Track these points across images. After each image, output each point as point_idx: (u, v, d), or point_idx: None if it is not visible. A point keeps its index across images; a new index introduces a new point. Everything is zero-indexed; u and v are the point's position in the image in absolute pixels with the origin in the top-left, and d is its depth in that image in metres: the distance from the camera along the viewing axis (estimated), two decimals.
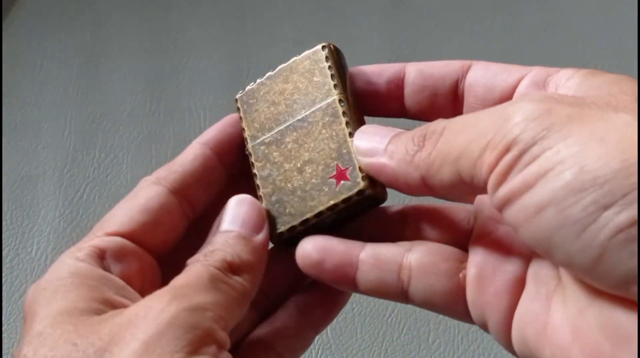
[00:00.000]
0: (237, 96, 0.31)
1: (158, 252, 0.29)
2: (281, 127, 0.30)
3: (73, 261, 0.26)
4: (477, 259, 0.27)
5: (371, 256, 0.28)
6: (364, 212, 0.29)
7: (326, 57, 0.30)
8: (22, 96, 0.69)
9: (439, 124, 0.25)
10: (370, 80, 0.30)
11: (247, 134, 0.30)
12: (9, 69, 0.71)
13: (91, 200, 0.62)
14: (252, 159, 0.30)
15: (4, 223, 0.61)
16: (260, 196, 0.29)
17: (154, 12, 0.75)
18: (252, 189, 0.30)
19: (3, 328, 0.55)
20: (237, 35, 0.72)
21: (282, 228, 0.29)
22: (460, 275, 0.27)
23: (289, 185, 0.29)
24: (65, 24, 0.74)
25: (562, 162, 0.21)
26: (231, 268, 0.26)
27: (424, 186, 0.25)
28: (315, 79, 0.30)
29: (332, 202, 0.28)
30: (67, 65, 0.71)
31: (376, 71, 0.31)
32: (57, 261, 0.27)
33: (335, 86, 0.29)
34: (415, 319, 0.54)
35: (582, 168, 0.20)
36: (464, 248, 0.28)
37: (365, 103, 0.31)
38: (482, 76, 0.29)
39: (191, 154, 0.30)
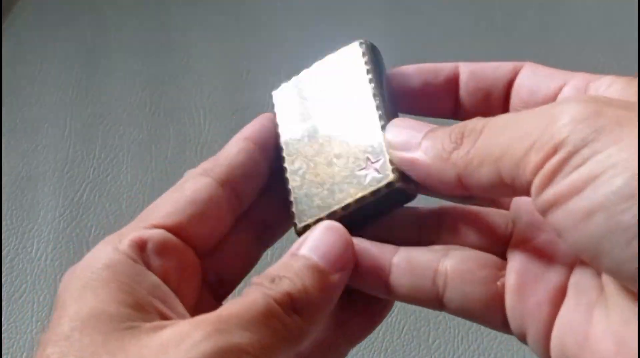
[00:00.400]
0: (273, 92, 0.32)
1: (202, 247, 0.27)
2: (313, 122, 0.30)
3: (111, 250, 0.25)
4: (517, 267, 0.26)
5: (405, 261, 0.27)
6: (393, 208, 0.28)
7: (363, 53, 0.30)
8: (22, 96, 0.69)
9: (478, 122, 0.24)
10: (427, 80, 0.30)
11: (280, 129, 0.30)
12: (9, 69, 0.71)
13: (91, 200, 0.62)
14: (284, 154, 0.30)
15: (4, 223, 0.61)
16: (289, 189, 0.29)
17: (154, 12, 0.75)
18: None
19: (3, 328, 0.55)
20: (237, 36, 0.72)
21: (309, 220, 0.28)
22: (499, 282, 0.26)
23: (318, 178, 0.29)
24: (65, 24, 0.75)
25: (614, 166, 0.20)
26: (294, 304, 0.24)
27: (459, 185, 0.25)
28: (350, 74, 0.30)
29: (360, 194, 0.27)
30: (67, 65, 0.71)
31: (432, 70, 0.30)
32: (97, 246, 0.26)
33: (370, 80, 0.29)
34: (415, 319, 0.54)
35: (634, 173, 0.20)
36: (502, 255, 0.27)
37: (419, 102, 0.30)
38: (528, 79, 0.28)
39: (235, 148, 0.29)
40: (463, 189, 0.25)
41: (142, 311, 0.23)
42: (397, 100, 0.30)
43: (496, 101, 0.29)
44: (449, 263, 0.26)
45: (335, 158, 0.29)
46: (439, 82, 0.30)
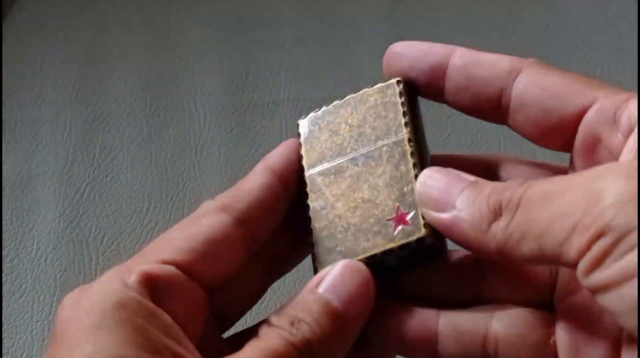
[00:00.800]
0: (299, 121, 0.30)
1: (211, 285, 0.27)
2: (342, 160, 0.28)
3: (121, 287, 0.24)
4: (567, 323, 0.25)
5: (451, 329, 0.26)
6: (424, 261, 0.27)
7: (400, 92, 0.28)
8: (22, 96, 0.69)
9: (515, 190, 0.23)
10: (412, 63, 0.28)
11: (305, 161, 0.29)
12: (9, 69, 0.71)
13: (91, 200, 0.62)
14: (307, 189, 0.29)
15: (3, 223, 0.61)
16: (310, 228, 0.28)
17: (154, 12, 0.75)
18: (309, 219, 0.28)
19: (3, 328, 0.55)
20: (237, 36, 0.72)
21: (329, 266, 0.27)
22: (551, 341, 0.25)
23: (342, 222, 0.27)
24: (65, 24, 0.74)
25: None
26: (313, 351, 0.24)
27: (499, 254, 0.24)
28: (385, 113, 0.28)
29: (388, 246, 0.26)
30: (67, 65, 0.71)
31: (420, 54, 0.28)
32: (103, 280, 0.25)
33: (406, 124, 0.28)
34: None
35: None
36: (548, 304, 0.26)
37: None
38: (535, 94, 0.26)
39: (257, 182, 0.28)
40: (502, 257, 0.24)
41: (158, 354, 0.23)
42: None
43: (486, 104, 0.27)
44: (498, 328, 0.26)
45: (362, 201, 0.27)
46: (423, 67, 0.28)
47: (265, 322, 0.25)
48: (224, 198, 0.28)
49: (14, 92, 0.69)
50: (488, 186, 0.24)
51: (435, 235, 0.26)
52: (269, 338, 0.24)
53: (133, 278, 0.24)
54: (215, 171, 0.63)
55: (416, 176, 0.27)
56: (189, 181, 0.63)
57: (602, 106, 0.25)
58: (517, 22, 0.72)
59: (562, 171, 0.28)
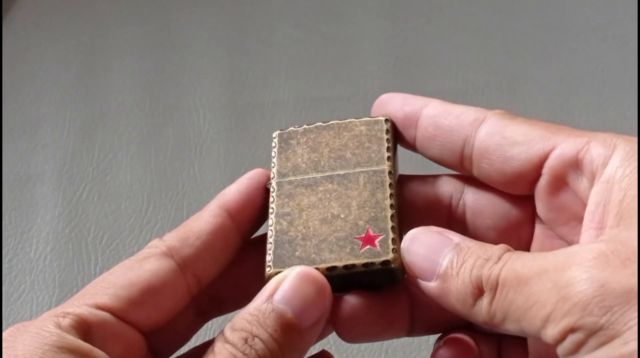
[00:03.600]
0: (277, 132, 0.30)
1: (148, 329, 0.26)
2: (317, 175, 0.29)
3: (56, 330, 0.24)
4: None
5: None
6: (378, 286, 0.27)
7: (387, 130, 0.29)
8: (22, 96, 0.69)
9: (493, 268, 0.24)
10: (391, 112, 0.30)
11: (275, 169, 0.29)
12: (8, 69, 0.71)
13: (90, 200, 0.62)
14: (274, 194, 0.28)
15: (3, 223, 0.61)
16: (271, 230, 0.28)
17: (154, 12, 0.75)
18: (263, 257, 0.28)
19: (3, 328, 0.55)
20: (237, 35, 0.72)
21: (282, 268, 0.27)
22: None
23: (306, 231, 0.27)
24: (65, 24, 0.74)
25: (629, 357, 0.20)
26: None
27: (487, 327, 0.25)
28: (368, 145, 0.29)
29: (352, 262, 0.26)
30: (66, 65, 0.71)
31: (399, 103, 0.30)
32: (38, 323, 0.24)
33: (389, 158, 0.29)
34: None
35: None
36: None
37: None
38: (496, 142, 0.27)
39: (210, 225, 0.28)
40: (491, 329, 0.25)
41: None
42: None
43: (450, 155, 0.28)
44: None
45: (331, 216, 0.27)
46: (398, 116, 0.29)
47: (220, 335, 0.25)
48: (172, 240, 0.27)
49: (13, 92, 0.69)
50: (470, 254, 0.25)
51: (402, 263, 0.26)
52: (220, 354, 0.24)
53: (67, 322, 0.24)
54: (215, 171, 0.63)
55: (391, 206, 0.27)
56: (189, 181, 0.63)
57: (563, 151, 0.26)
58: (517, 22, 0.72)
59: None
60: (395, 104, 0.30)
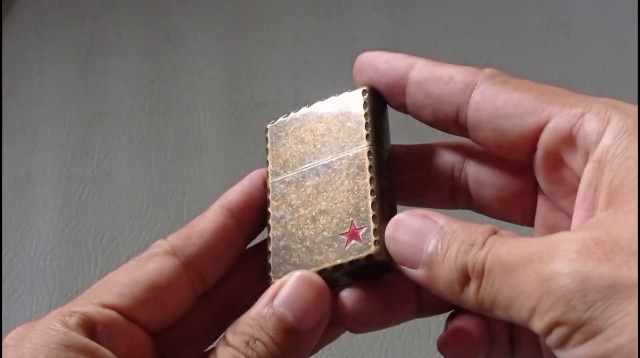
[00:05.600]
0: (268, 126, 0.30)
1: (154, 329, 0.26)
2: (304, 168, 0.28)
3: (63, 328, 0.24)
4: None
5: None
6: (374, 276, 0.27)
7: (364, 103, 0.28)
8: (22, 96, 0.69)
9: (478, 255, 0.23)
10: (374, 78, 0.28)
11: (270, 168, 0.29)
12: (8, 69, 0.71)
13: (90, 200, 0.62)
14: (269, 197, 0.29)
15: (3, 222, 0.61)
16: (269, 237, 0.28)
17: (153, 12, 0.75)
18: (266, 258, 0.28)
19: (3, 329, 0.55)
20: (237, 35, 0.72)
21: (282, 276, 0.27)
22: None
23: (299, 232, 0.27)
24: (64, 24, 0.74)
25: (614, 353, 0.20)
26: None
27: (477, 312, 0.24)
28: (348, 124, 0.28)
29: (339, 261, 0.26)
30: (66, 65, 0.71)
31: (381, 67, 0.28)
32: (45, 322, 0.24)
33: (367, 136, 0.27)
34: (415, 320, 0.54)
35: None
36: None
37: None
38: (489, 114, 0.26)
39: (213, 224, 0.28)
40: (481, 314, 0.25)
41: None
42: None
43: (443, 121, 0.27)
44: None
45: (320, 214, 0.27)
46: (382, 82, 0.28)
47: (222, 339, 0.25)
48: (176, 239, 0.27)
49: (13, 92, 0.69)
50: (455, 240, 0.24)
51: (386, 252, 0.26)
52: (219, 354, 0.24)
53: (73, 320, 0.24)
54: (215, 171, 0.63)
55: (372, 192, 0.27)
56: (189, 181, 0.63)
57: (557, 125, 0.25)
58: (517, 22, 0.72)
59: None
60: (377, 68, 0.28)
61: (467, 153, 0.29)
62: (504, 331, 0.28)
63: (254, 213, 0.29)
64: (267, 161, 0.29)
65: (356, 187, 0.27)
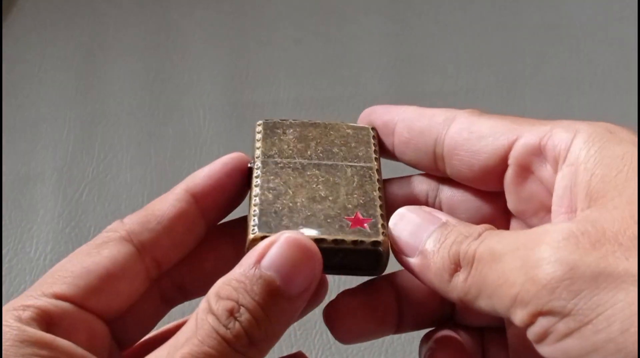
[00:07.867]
0: (262, 121, 0.30)
1: (110, 317, 0.26)
2: (305, 161, 0.28)
3: (16, 323, 0.23)
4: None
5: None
6: (354, 270, 0.26)
7: (373, 136, 0.30)
8: (22, 96, 0.69)
9: (471, 244, 0.24)
10: (371, 120, 0.31)
11: (260, 151, 0.29)
12: (8, 69, 0.71)
13: (90, 200, 0.62)
14: (259, 171, 0.28)
15: (3, 223, 0.61)
16: (256, 201, 0.26)
17: (154, 11, 0.75)
18: (230, 245, 0.27)
19: None
20: (237, 35, 0.72)
21: (268, 233, 0.25)
22: None
23: (294, 206, 0.26)
24: (64, 24, 0.74)
25: (604, 347, 0.20)
26: (252, 338, 0.23)
27: (461, 304, 0.24)
28: (355, 145, 0.29)
29: (341, 236, 0.25)
30: (66, 65, 0.71)
31: (379, 113, 0.31)
32: None
33: (376, 159, 0.29)
34: None
35: (625, 355, 0.19)
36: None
37: None
38: (464, 137, 0.28)
39: (173, 209, 0.27)
40: (465, 306, 0.25)
41: None
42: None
43: (425, 156, 0.29)
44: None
45: (320, 198, 0.27)
46: (377, 124, 0.30)
47: (205, 302, 0.24)
48: (133, 223, 0.27)
49: (13, 92, 0.69)
50: (453, 232, 0.25)
51: (389, 250, 0.26)
52: (202, 328, 0.23)
53: (27, 315, 0.24)
54: None
55: (380, 198, 0.27)
56: None
57: (526, 139, 0.26)
58: (517, 22, 0.72)
59: None
60: (376, 114, 0.31)
61: (440, 181, 0.30)
62: (476, 345, 0.29)
63: (219, 199, 0.28)
64: (257, 147, 0.29)
65: (363, 190, 0.27)
